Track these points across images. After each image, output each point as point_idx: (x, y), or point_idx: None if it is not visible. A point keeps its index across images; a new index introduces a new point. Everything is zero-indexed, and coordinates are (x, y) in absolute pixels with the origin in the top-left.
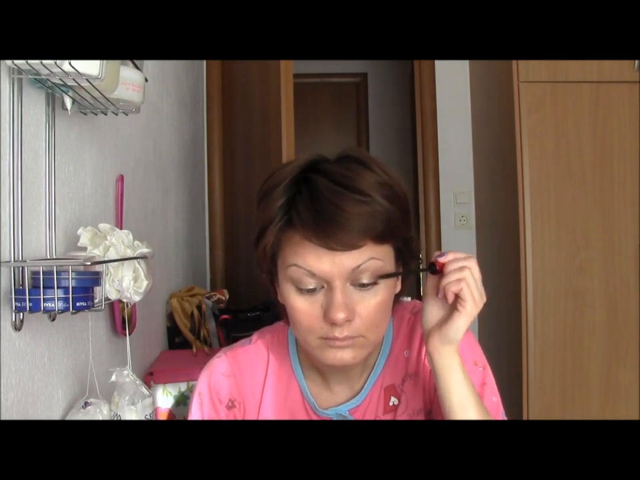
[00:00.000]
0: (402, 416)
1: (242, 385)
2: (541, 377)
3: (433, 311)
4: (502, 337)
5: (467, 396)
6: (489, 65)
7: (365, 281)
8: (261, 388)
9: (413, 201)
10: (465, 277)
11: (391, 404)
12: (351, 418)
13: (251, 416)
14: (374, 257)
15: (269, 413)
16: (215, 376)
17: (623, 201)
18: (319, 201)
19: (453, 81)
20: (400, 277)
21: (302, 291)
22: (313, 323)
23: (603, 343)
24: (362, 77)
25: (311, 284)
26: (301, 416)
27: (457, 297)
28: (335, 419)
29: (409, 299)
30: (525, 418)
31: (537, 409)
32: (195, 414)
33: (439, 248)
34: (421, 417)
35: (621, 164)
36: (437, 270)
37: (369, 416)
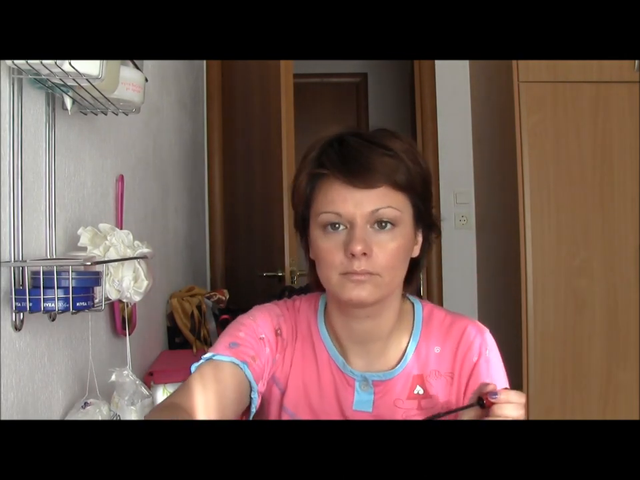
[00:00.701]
0: (429, 409)
1: (290, 326)
2: (541, 377)
3: None
4: (502, 336)
5: None
6: (489, 65)
7: (383, 219)
8: (295, 340)
9: None
10: (513, 417)
11: (415, 392)
12: (372, 389)
13: (287, 358)
14: (392, 205)
15: (299, 363)
16: (266, 310)
17: (623, 201)
18: (347, 150)
19: (452, 81)
20: (420, 243)
21: (327, 231)
22: (334, 259)
23: (603, 342)
24: (362, 77)
25: (336, 223)
26: (325, 373)
27: None
28: (357, 380)
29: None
30: (524, 418)
31: (536, 409)
32: (245, 321)
33: (439, 248)
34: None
35: (621, 164)
36: (485, 405)
37: (391, 396)
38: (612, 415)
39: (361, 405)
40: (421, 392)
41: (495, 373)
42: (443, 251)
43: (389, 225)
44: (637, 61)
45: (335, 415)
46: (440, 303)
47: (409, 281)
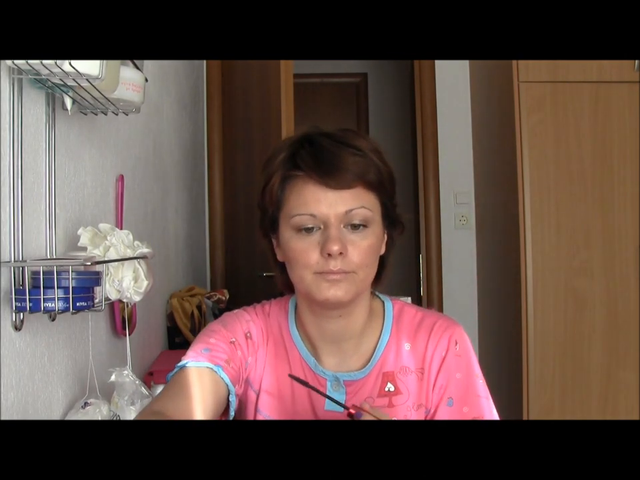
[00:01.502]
0: (400, 405)
1: (261, 331)
2: (541, 377)
3: None
4: (502, 336)
5: None
6: (489, 65)
7: (356, 222)
8: (266, 343)
9: (413, 201)
10: None
11: (386, 389)
12: (343, 388)
13: (260, 361)
14: (364, 205)
15: (271, 365)
16: (235, 316)
17: (623, 201)
18: (320, 151)
19: (453, 81)
20: (385, 240)
21: (301, 232)
22: (309, 259)
23: (603, 342)
24: (362, 77)
25: (310, 224)
26: (298, 374)
27: None
28: (329, 380)
29: (409, 299)
30: (524, 418)
31: (536, 409)
32: (213, 328)
33: (439, 248)
34: (420, 412)
35: (621, 164)
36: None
37: (362, 394)
38: (612, 415)
39: (333, 405)
40: (392, 389)
41: (463, 368)
42: (443, 251)
43: (361, 226)
44: (636, 61)
45: (307, 416)
46: (440, 303)
47: (378, 279)
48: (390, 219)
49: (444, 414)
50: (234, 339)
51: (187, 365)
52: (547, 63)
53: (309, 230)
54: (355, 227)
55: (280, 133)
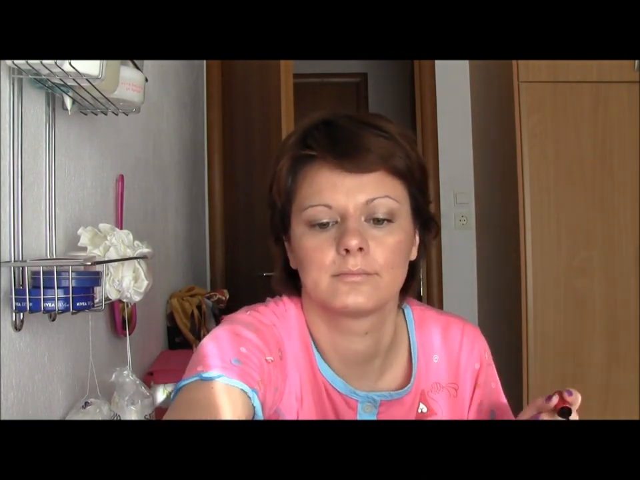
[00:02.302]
0: None
1: (282, 336)
2: (541, 377)
3: None
4: (502, 336)
5: None
6: (489, 65)
7: (379, 215)
8: (294, 360)
9: None
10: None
11: (419, 411)
12: (376, 409)
13: (287, 382)
14: (389, 195)
15: (296, 385)
16: (265, 321)
17: (623, 201)
18: (336, 130)
19: (453, 81)
20: (417, 243)
21: (315, 228)
22: (324, 258)
23: (602, 342)
24: (362, 77)
25: (325, 218)
26: (323, 396)
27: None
28: (360, 402)
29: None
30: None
31: None
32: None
33: (439, 248)
34: None
35: (621, 164)
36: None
37: (393, 417)
38: (612, 415)
39: None
40: (425, 410)
41: (494, 375)
42: (443, 251)
43: (385, 221)
44: (636, 61)
45: None
46: (440, 303)
47: (406, 289)
48: (421, 217)
49: None
50: (271, 358)
51: (217, 380)
52: (547, 63)
53: (323, 225)
54: (378, 221)
55: (280, 133)
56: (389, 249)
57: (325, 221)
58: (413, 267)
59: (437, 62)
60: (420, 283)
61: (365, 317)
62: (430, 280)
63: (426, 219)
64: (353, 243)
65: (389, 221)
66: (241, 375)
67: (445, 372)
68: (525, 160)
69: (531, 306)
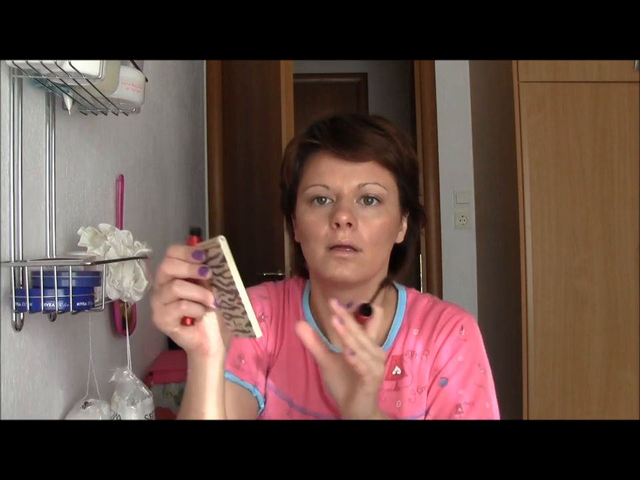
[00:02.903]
0: (405, 388)
1: (275, 307)
2: (541, 376)
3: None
4: (502, 336)
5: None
6: (489, 65)
7: (369, 194)
8: (282, 318)
9: None
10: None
11: (394, 372)
12: None
13: (271, 336)
14: (378, 182)
15: (285, 342)
16: (254, 293)
17: (623, 201)
18: (339, 124)
19: (453, 81)
20: (404, 229)
21: (314, 204)
22: (320, 231)
23: (603, 343)
24: (362, 77)
25: (322, 194)
26: (309, 354)
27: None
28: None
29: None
30: (524, 418)
31: (536, 409)
32: None
33: (439, 248)
34: (422, 396)
35: (621, 164)
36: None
37: None
38: (612, 415)
39: None
40: (399, 372)
41: (467, 353)
42: (443, 251)
43: (375, 201)
44: (636, 61)
45: (316, 395)
46: None
47: (395, 269)
48: (409, 206)
49: (432, 393)
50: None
51: (226, 377)
52: (546, 63)
53: (321, 201)
54: (367, 201)
55: (280, 133)
56: (375, 228)
57: (322, 196)
58: (402, 250)
59: (437, 62)
60: (409, 268)
61: (350, 288)
62: (430, 280)
63: (414, 209)
64: (343, 218)
65: (378, 201)
66: (244, 374)
67: (421, 342)
68: (525, 160)
69: (530, 306)
